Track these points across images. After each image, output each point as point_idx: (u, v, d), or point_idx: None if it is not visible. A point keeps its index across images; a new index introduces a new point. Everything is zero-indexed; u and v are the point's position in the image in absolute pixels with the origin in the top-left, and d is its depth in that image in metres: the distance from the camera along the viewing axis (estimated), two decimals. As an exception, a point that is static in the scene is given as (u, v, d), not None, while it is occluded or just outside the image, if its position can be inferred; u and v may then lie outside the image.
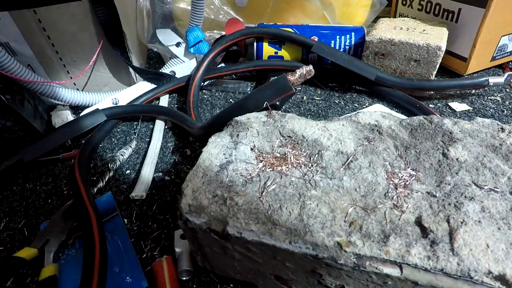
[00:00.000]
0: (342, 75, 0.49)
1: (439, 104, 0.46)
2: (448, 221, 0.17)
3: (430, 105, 0.45)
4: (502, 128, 0.22)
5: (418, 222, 0.17)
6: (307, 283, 0.22)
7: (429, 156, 0.21)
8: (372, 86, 0.46)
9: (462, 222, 0.17)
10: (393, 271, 0.17)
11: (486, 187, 0.19)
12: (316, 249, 0.18)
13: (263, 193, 0.20)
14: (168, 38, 0.52)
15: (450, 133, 0.22)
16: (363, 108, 0.46)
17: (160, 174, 0.37)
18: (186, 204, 0.21)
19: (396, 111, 0.44)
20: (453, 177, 0.19)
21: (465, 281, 0.16)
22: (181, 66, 0.52)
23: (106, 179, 0.37)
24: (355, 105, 0.47)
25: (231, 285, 0.27)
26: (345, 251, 0.17)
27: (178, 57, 0.52)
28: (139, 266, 0.28)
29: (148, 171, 0.36)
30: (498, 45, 0.48)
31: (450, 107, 0.45)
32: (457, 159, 0.20)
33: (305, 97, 0.49)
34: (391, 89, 0.45)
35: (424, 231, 0.17)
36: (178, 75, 0.51)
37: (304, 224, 0.19)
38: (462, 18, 0.47)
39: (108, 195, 0.35)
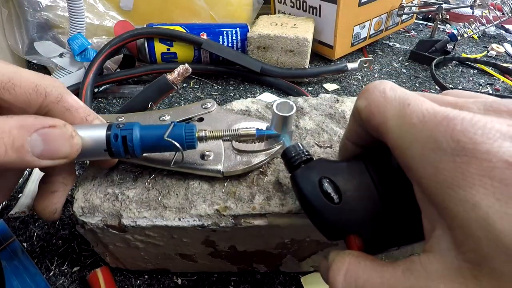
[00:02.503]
0: (235, 69, 0.54)
1: (316, 86, 0.54)
2: (296, 175, 0.22)
3: (309, 88, 0.54)
4: (337, 100, 0.29)
5: (277, 181, 0.22)
6: (207, 252, 0.25)
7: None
8: (260, 77, 0.52)
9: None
10: (261, 222, 0.21)
11: (324, 145, 0.25)
12: (201, 219, 0.21)
13: (153, 183, 0.23)
14: (49, 49, 0.49)
15: (302, 108, 0.28)
16: (255, 97, 0.51)
17: (59, 189, 0.35)
18: (79, 207, 0.22)
19: (283, 96, 0.51)
20: (302, 141, 0.25)
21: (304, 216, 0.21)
22: (69, 77, 0.49)
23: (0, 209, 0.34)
24: (248, 95, 0.52)
25: (146, 276, 0.29)
26: (223, 215, 0.21)
27: (64, 68, 0.50)
28: (47, 285, 0.28)
29: (33, 187, 0.35)
30: (353, 34, 0.59)
31: (324, 88, 0.54)
32: (305, 127, 0.26)
33: (202, 94, 0.52)
34: (275, 78, 0.51)
35: (280, 186, 0.22)
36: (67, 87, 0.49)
37: (189, 201, 0.22)
38: (323, 13, 0.56)
39: (0, 223, 0.33)
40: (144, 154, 0.22)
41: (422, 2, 0.69)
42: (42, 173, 0.37)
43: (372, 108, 0.15)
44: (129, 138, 0.18)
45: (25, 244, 0.31)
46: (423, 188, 0.13)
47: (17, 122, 0.15)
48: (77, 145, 0.17)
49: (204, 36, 0.53)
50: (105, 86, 0.50)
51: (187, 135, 0.19)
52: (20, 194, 0.35)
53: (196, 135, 0.19)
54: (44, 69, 0.57)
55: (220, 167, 0.22)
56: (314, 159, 0.18)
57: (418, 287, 0.12)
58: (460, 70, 0.60)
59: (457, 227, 0.11)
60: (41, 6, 0.49)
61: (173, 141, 0.19)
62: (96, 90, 0.49)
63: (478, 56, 0.64)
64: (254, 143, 0.22)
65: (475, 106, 0.13)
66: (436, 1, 0.68)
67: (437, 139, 0.12)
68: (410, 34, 0.75)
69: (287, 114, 0.20)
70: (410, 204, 0.14)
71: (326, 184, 0.16)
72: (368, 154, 0.17)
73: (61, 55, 0.49)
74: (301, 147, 0.18)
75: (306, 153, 0.18)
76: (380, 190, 0.16)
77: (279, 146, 0.22)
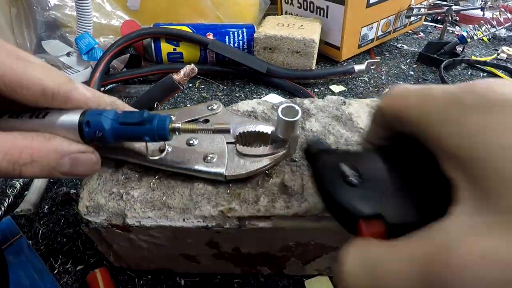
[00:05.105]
0: (241, 70, 0.54)
1: (322, 88, 0.54)
2: (301, 178, 0.22)
3: (316, 89, 0.53)
4: (343, 102, 0.29)
5: (282, 183, 0.22)
6: (210, 254, 0.25)
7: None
8: (266, 78, 0.52)
9: (310, 176, 0.22)
10: (266, 224, 0.21)
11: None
12: (206, 221, 0.21)
13: (157, 183, 0.23)
14: (56, 48, 0.49)
15: (308, 110, 0.28)
16: (261, 98, 0.51)
17: (64, 188, 0.36)
18: (84, 206, 0.22)
19: (289, 97, 0.51)
20: (308, 144, 0.25)
21: (313, 219, 0.21)
22: (76, 76, 0.50)
23: (6, 206, 0.34)
24: (254, 96, 0.52)
25: (149, 276, 0.29)
26: (228, 216, 0.21)
27: (71, 67, 0.50)
28: (54, 280, 0.28)
29: (39, 184, 0.35)
30: (361, 35, 0.59)
31: (330, 89, 0.53)
32: (311, 129, 0.26)
33: (207, 95, 0.52)
34: (281, 79, 0.51)
35: (286, 189, 0.22)
36: (74, 85, 0.49)
37: (194, 202, 0.22)
38: (330, 14, 0.56)
39: (7, 220, 0.33)
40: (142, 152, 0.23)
41: (431, 4, 0.68)
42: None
43: (394, 99, 0.15)
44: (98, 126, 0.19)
45: (30, 242, 0.31)
46: (447, 149, 0.13)
47: (55, 146, 0.18)
48: (97, 169, 0.20)
49: (210, 36, 0.53)
50: (111, 85, 0.50)
51: (159, 127, 0.19)
52: (26, 192, 0.35)
53: (170, 126, 0.19)
54: (51, 68, 0.58)
55: (223, 170, 0.21)
56: None
57: (442, 248, 0.10)
58: (469, 72, 0.59)
59: (486, 176, 0.11)
60: (50, 5, 0.50)
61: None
62: (102, 89, 0.49)
63: (488, 58, 0.63)
64: (259, 146, 0.22)
65: None
66: (445, 3, 0.67)
67: (460, 97, 0.12)
68: (419, 36, 0.74)
69: (293, 119, 0.20)
70: (432, 179, 0.14)
71: (344, 167, 0.16)
72: (387, 146, 0.17)
73: (68, 54, 0.49)
74: (319, 138, 0.19)
75: (325, 144, 0.18)
76: (400, 172, 0.15)
77: (284, 151, 0.22)
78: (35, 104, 0.18)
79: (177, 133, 0.20)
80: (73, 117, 0.19)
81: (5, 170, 0.16)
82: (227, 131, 0.20)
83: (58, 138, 0.18)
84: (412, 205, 0.14)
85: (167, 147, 0.23)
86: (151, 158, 0.22)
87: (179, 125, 0.19)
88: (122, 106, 0.21)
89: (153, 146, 0.23)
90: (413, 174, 0.15)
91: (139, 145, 0.23)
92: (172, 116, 0.20)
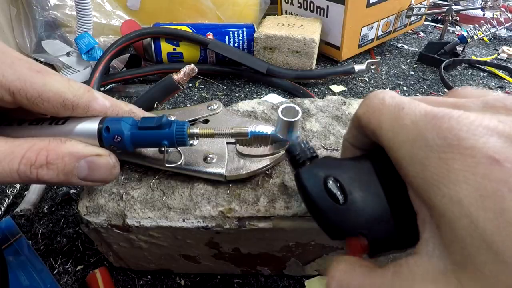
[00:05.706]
0: (241, 70, 0.54)
1: (322, 88, 0.54)
2: (302, 178, 0.22)
3: (316, 89, 0.53)
4: (344, 102, 0.29)
5: (282, 183, 0.22)
6: (210, 254, 0.25)
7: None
8: (266, 78, 0.52)
9: (310, 177, 0.22)
10: (266, 224, 0.21)
11: (330, 148, 0.24)
12: (206, 221, 0.21)
13: (157, 183, 0.23)
14: (56, 48, 0.49)
15: (308, 110, 0.28)
16: (261, 98, 0.51)
17: (64, 188, 0.36)
18: (84, 207, 0.22)
19: (289, 97, 0.51)
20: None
21: (313, 220, 0.21)
22: (76, 76, 0.50)
23: (5, 206, 0.34)
24: (254, 96, 0.52)
25: (149, 277, 0.29)
26: (228, 217, 0.21)
27: (71, 67, 0.50)
28: (54, 281, 0.28)
29: (37, 185, 0.35)
30: (361, 35, 0.58)
31: (330, 89, 0.53)
32: (311, 130, 0.26)
33: (207, 95, 0.52)
34: (281, 79, 0.51)
35: (286, 189, 0.22)
36: (74, 85, 0.49)
37: (193, 202, 0.22)
38: (330, 13, 0.56)
39: (7, 220, 0.33)
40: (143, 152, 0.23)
41: (432, 3, 0.68)
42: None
43: (370, 114, 0.15)
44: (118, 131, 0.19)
45: (30, 242, 0.31)
46: (413, 187, 0.13)
47: (69, 149, 0.17)
48: (116, 174, 0.19)
49: (210, 36, 0.53)
50: (111, 85, 0.50)
51: (178, 132, 0.19)
52: (26, 192, 0.35)
53: (188, 131, 0.19)
54: (51, 68, 0.58)
55: (223, 170, 0.21)
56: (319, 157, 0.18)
57: None
58: (469, 72, 0.59)
59: (444, 226, 0.11)
60: (49, 5, 0.50)
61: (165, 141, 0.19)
62: (102, 89, 0.49)
63: (489, 58, 0.63)
64: (259, 147, 0.22)
65: (473, 104, 0.13)
66: (446, 3, 0.67)
67: (425, 137, 0.12)
68: (419, 35, 0.74)
69: (293, 120, 0.19)
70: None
71: (331, 183, 0.15)
72: (374, 153, 0.17)
73: (68, 54, 0.49)
74: (306, 144, 0.18)
75: (311, 151, 0.18)
76: (386, 190, 0.15)
77: (284, 151, 0.22)
78: (56, 114, 0.18)
79: (195, 138, 0.20)
80: (92, 123, 0.19)
81: (23, 174, 0.16)
82: (245, 135, 0.20)
83: (73, 141, 0.18)
84: (392, 218, 0.15)
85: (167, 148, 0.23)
86: (168, 165, 0.22)
87: (197, 130, 0.20)
88: (140, 113, 0.22)
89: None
90: (393, 183, 0.15)
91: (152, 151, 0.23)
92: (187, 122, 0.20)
